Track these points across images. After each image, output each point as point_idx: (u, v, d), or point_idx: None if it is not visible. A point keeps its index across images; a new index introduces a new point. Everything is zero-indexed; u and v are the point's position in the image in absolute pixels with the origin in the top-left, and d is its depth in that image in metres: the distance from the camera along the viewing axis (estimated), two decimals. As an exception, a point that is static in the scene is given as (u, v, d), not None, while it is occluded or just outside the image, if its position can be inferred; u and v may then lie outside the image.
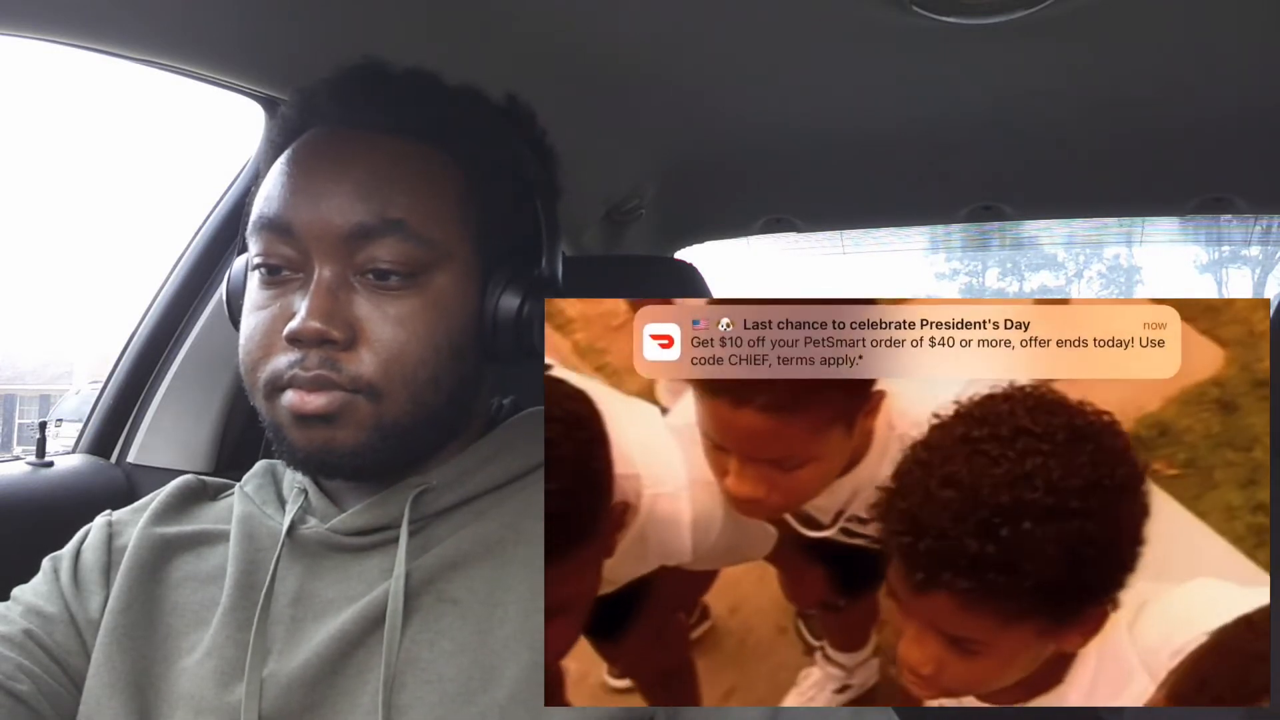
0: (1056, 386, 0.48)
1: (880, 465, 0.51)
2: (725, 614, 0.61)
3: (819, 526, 0.55)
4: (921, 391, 0.50)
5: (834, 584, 0.58)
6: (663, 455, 0.54)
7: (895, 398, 0.51)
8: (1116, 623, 0.48)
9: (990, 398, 0.47)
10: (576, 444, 0.50)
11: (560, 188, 0.71)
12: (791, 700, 0.57)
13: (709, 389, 0.51)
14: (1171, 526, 0.51)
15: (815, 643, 0.61)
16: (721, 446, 0.52)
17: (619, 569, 0.54)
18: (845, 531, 0.55)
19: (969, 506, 0.44)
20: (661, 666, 0.59)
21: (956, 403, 0.47)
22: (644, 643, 0.57)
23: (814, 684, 0.59)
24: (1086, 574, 0.45)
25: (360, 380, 0.58)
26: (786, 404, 0.49)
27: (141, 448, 1.10)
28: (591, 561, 0.52)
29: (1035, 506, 0.44)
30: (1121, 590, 0.47)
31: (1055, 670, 0.49)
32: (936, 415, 0.47)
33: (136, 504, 0.70)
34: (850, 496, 0.54)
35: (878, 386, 0.50)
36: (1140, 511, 0.47)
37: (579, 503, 0.50)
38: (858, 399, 0.51)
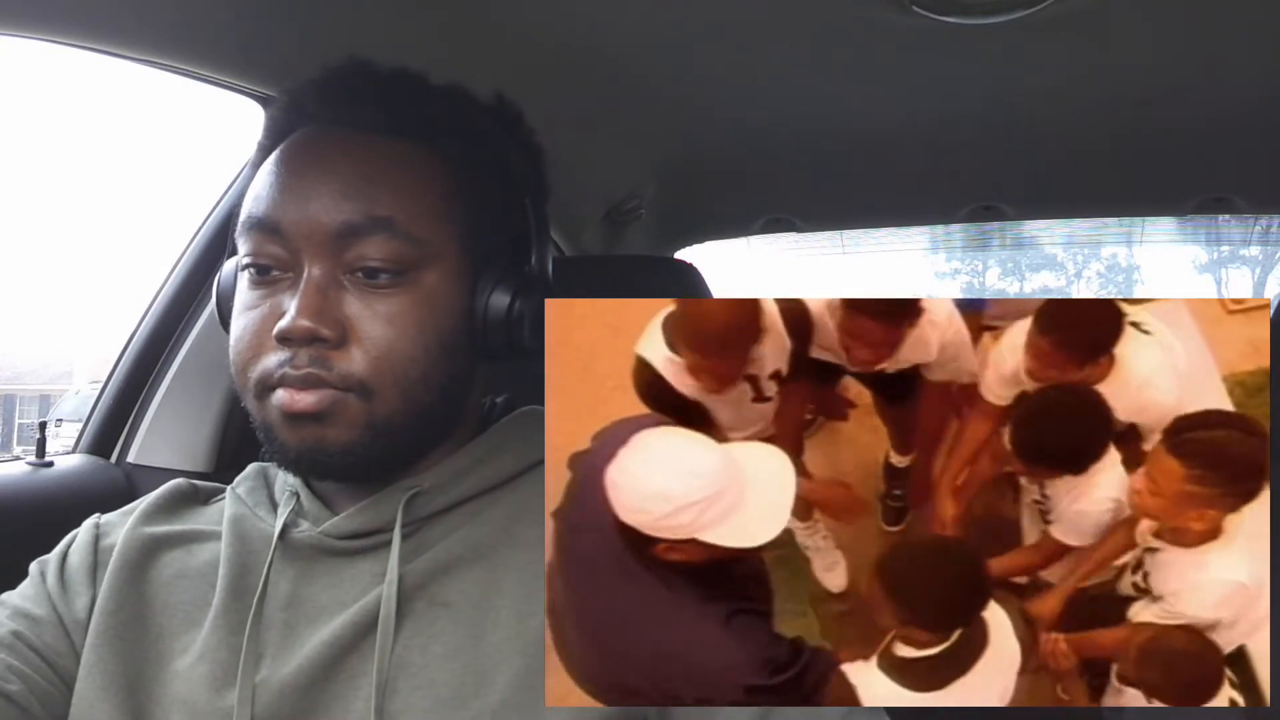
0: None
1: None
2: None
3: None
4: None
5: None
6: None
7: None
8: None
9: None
10: None
11: (549, 185, 0.70)
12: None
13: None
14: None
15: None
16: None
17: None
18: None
19: None
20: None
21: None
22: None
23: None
24: None
25: (351, 378, 0.58)
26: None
27: (141, 448, 1.10)
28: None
29: None
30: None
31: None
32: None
33: (126, 507, 0.69)
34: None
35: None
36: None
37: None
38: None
